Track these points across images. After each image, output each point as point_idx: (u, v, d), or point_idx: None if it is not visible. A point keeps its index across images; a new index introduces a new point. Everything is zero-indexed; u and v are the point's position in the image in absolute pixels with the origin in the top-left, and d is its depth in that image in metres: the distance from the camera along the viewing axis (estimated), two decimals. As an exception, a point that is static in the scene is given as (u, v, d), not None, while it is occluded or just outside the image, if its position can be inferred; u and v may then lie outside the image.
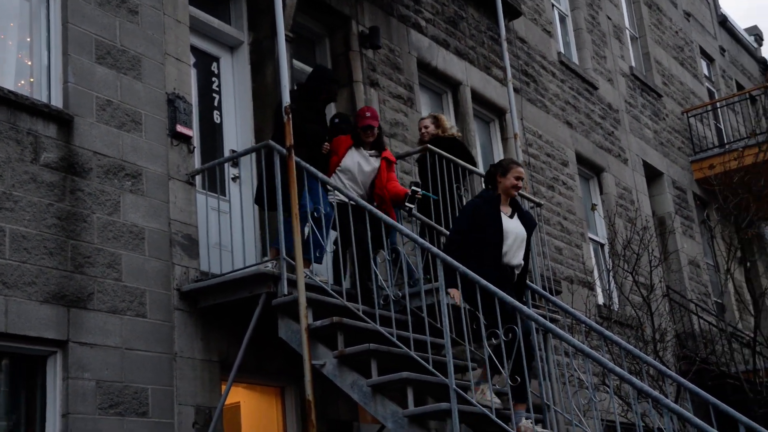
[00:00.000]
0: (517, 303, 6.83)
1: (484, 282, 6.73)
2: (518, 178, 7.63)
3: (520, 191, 7.85)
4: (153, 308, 7.16)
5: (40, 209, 6.58)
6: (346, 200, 7.69)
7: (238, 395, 8.20)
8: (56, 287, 6.54)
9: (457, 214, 7.77)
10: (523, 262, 7.66)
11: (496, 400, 7.00)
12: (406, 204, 8.26)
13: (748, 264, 15.45)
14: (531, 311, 7.09)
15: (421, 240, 7.36)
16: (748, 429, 6.76)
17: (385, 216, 7.48)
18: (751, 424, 6.81)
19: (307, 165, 7.48)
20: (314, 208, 7.46)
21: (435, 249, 7.19)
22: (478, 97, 12.17)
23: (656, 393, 6.47)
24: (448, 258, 6.93)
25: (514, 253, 7.52)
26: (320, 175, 7.51)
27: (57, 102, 7.02)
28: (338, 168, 8.22)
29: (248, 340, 7.26)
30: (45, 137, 6.76)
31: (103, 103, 7.25)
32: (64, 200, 6.77)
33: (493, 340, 6.91)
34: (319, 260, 7.73)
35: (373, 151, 8.36)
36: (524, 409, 7.15)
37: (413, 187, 8.30)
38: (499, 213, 7.52)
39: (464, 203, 8.70)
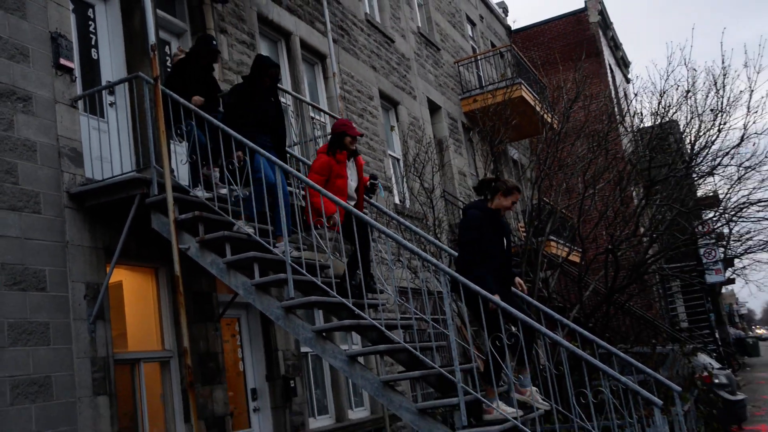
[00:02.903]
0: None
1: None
2: (514, 203, 6.71)
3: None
4: (47, 207, 6.73)
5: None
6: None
7: (121, 275, 7.86)
8: (-39, 189, 6.03)
9: (461, 226, 6.78)
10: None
11: (510, 409, 6.29)
12: (367, 194, 7.89)
13: (498, 173, 15.96)
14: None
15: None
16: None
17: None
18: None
19: (172, 93, 7.11)
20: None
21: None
22: (305, 45, 11.86)
23: (436, 260, 6.63)
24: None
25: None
26: (190, 106, 7.17)
27: (-47, 34, 6.36)
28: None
29: (127, 231, 7.01)
30: (-56, 65, 6.11)
31: (-6, 37, 6.64)
32: (-35, 118, 6.17)
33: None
34: (250, 218, 7.21)
35: (351, 159, 7.63)
36: (527, 375, 6.62)
37: (372, 181, 7.84)
38: (500, 228, 6.66)
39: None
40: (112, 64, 8.19)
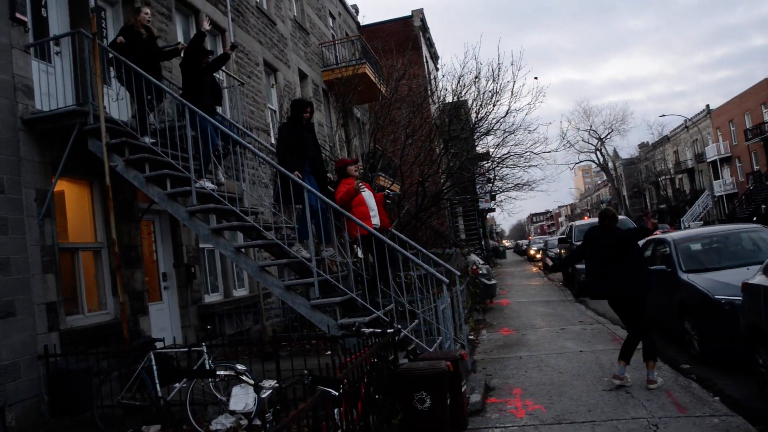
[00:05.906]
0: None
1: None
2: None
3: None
4: (4, 129, 6.27)
5: None
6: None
7: (63, 186, 7.47)
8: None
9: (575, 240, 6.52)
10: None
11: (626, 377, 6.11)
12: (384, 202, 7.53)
13: (346, 126, 16.12)
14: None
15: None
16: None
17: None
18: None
19: (110, 49, 6.72)
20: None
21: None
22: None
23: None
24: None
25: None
26: (129, 63, 6.76)
27: None
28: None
29: (68, 152, 6.69)
30: None
31: (-41, -8, 5.94)
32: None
33: None
34: (305, 237, 6.79)
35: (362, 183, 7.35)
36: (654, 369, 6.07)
37: (385, 193, 7.53)
38: (609, 241, 6.18)
39: None
40: (58, 21, 7.53)
